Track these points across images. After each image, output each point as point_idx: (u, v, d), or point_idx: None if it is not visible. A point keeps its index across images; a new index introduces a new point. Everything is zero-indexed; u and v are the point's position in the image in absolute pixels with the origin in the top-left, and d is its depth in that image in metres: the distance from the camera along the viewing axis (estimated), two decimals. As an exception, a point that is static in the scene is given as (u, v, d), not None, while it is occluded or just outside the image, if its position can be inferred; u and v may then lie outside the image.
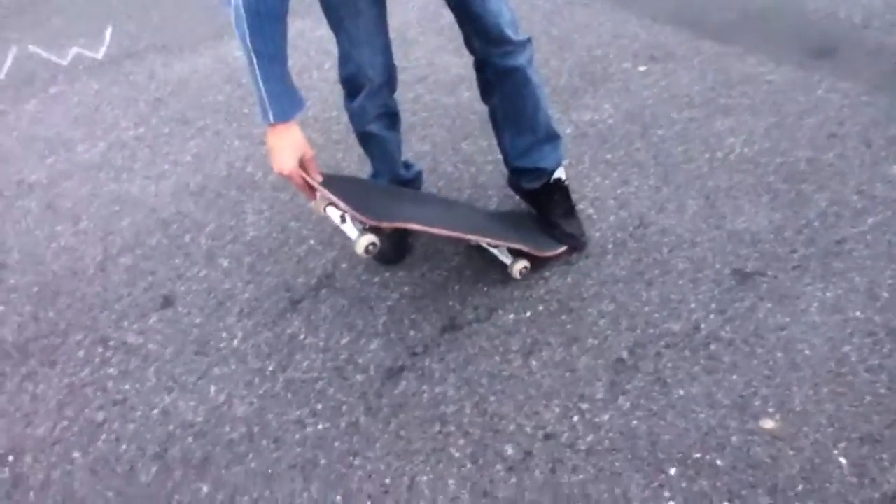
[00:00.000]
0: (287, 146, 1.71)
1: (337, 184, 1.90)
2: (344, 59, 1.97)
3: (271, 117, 1.66)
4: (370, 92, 1.99)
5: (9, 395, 1.93)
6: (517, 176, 2.22)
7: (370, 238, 1.78)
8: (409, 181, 2.28)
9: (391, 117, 2.11)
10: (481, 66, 2.04)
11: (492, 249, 2.08)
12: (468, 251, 2.20)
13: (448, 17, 2.00)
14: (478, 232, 2.03)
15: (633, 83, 2.89)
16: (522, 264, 2.08)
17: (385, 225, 1.84)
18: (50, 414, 1.87)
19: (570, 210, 2.20)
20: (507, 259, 2.08)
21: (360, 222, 1.79)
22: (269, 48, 1.62)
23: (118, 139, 2.83)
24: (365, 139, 2.13)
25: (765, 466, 1.59)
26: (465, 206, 2.36)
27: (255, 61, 1.61)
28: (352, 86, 2.00)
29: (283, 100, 1.68)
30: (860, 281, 1.99)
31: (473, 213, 2.29)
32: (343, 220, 1.80)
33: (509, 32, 1.92)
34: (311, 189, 1.78)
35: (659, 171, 2.43)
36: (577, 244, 2.16)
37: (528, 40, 1.99)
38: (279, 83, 1.66)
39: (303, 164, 1.74)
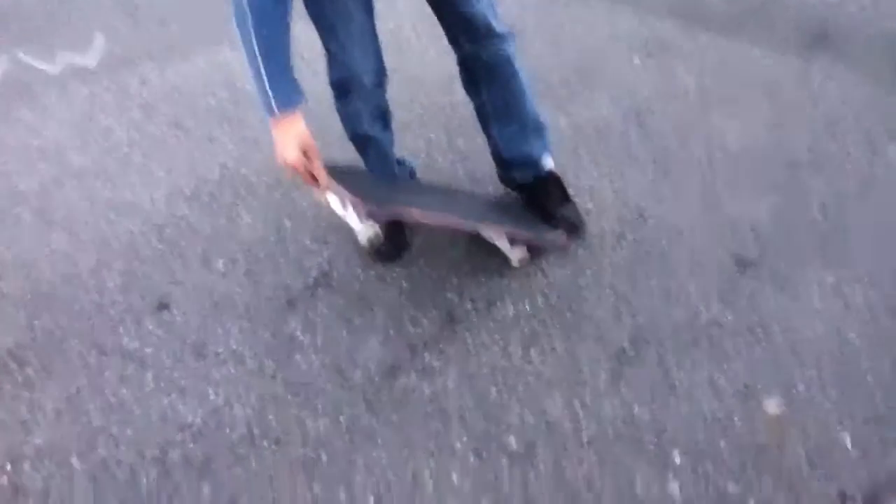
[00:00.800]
0: (291, 137, 1.72)
1: (339, 173, 1.90)
2: (334, 64, 1.96)
3: (275, 108, 1.67)
4: (362, 94, 1.98)
5: (5, 403, 1.91)
6: (508, 169, 2.21)
7: (373, 229, 1.78)
8: (405, 176, 2.27)
9: (384, 117, 2.10)
10: (467, 62, 2.04)
11: (491, 239, 2.07)
12: (466, 242, 2.18)
13: (442, 16, 1.99)
14: (477, 220, 2.02)
15: (629, 76, 2.87)
16: (521, 253, 2.07)
17: (385, 211, 1.84)
18: (48, 421, 1.85)
19: (565, 198, 2.19)
20: (506, 247, 2.07)
21: (362, 212, 1.80)
22: (272, 41, 1.63)
23: (111, 146, 2.81)
24: (359, 141, 2.12)
25: (770, 450, 1.58)
26: (464, 195, 2.35)
27: (258, 57, 1.61)
28: (343, 89, 1.99)
29: (287, 92, 1.68)
30: (860, 266, 1.98)
31: (473, 202, 2.28)
32: (345, 207, 1.80)
33: (495, 25, 1.92)
34: (315, 179, 1.78)
35: (657, 164, 2.42)
36: (577, 230, 2.15)
37: (511, 32, 1.99)
38: (282, 75, 1.67)
39: (307, 155, 1.75)
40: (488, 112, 2.11)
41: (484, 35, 1.92)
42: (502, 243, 2.06)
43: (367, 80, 1.96)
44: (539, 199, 2.19)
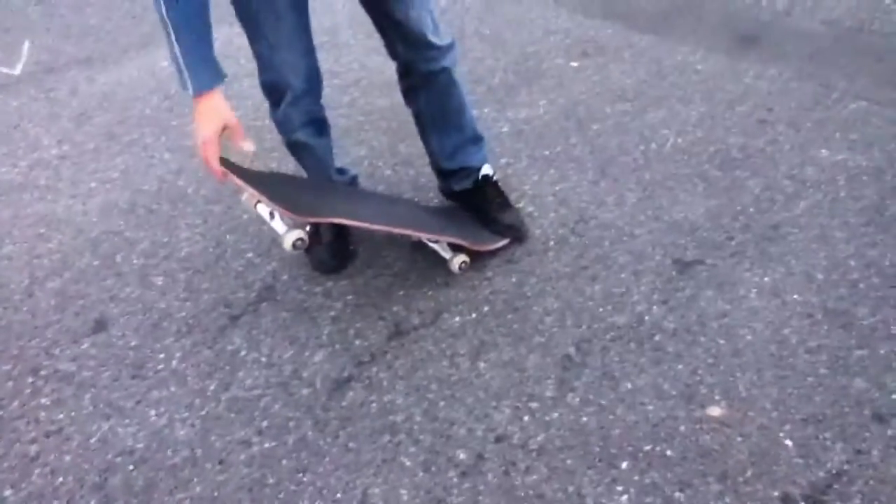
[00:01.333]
0: (207, 114, 1.67)
1: (268, 180, 1.86)
2: (264, 66, 1.91)
3: (190, 89, 1.63)
4: (293, 99, 1.94)
5: (-67, 433, 1.83)
6: (447, 179, 2.22)
7: (297, 234, 1.76)
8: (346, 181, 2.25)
9: (318, 124, 2.06)
10: (405, 71, 2.03)
11: (431, 244, 2.06)
12: (410, 253, 2.17)
13: (378, 19, 1.96)
14: (415, 227, 2.01)
15: (566, 78, 2.90)
16: (462, 258, 2.07)
17: (313, 220, 1.82)
18: (-21, 451, 1.78)
19: (504, 202, 2.19)
20: (446, 254, 2.06)
21: (289, 218, 1.77)
22: (186, 19, 1.58)
23: (41, 158, 2.72)
24: (293, 148, 2.09)
25: (714, 454, 1.60)
26: (403, 202, 2.33)
27: (171, 33, 1.57)
28: (274, 93, 1.95)
29: (203, 71, 1.64)
30: (796, 264, 2.03)
31: (411, 209, 2.27)
32: (272, 216, 1.78)
33: (433, 38, 1.91)
34: (240, 185, 1.73)
35: (596, 166, 2.44)
36: (518, 234, 2.16)
37: (452, 43, 1.98)
38: (196, 54, 1.62)
39: (230, 136, 1.71)
40: (426, 122, 2.10)
41: (422, 45, 1.91)
42: (443, 249, 2.06)
43: (298, 84, 1.92)
44: (479, 205, 2.19)
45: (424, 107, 2.07)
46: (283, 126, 2.02)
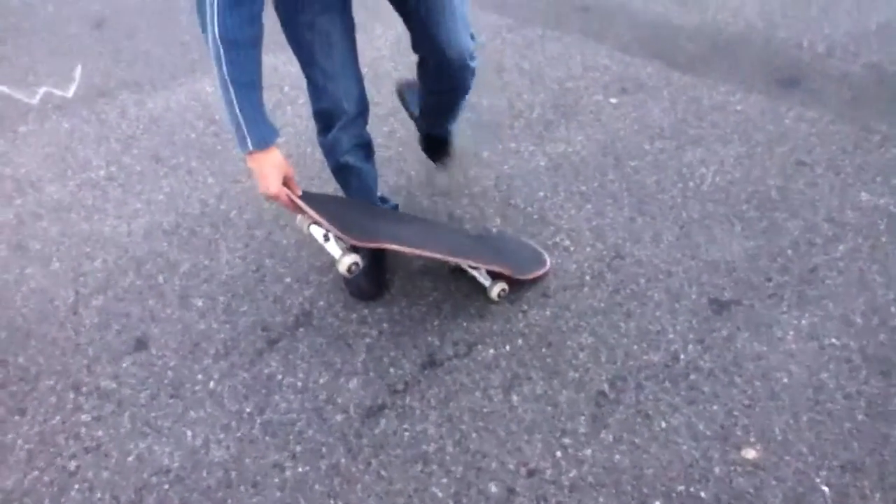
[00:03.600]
0: (270, 168, 1.72)
1: (321, 202, 1.90)
2: (317, 94, 1.96)
3: (250, 145, 1.67)
4: (345, 123, 1.99)
5: (-23, 444, 1.87)
6: (426, 138, 2.50)
7: (353, 258, 1.80)
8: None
9: (366, 148, 2.12)
10: (430, 67, 2.05)
11: (471, 271, 2.09)
12: (446, 284, 2.19)
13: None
14: (458, 253, 2.03)
15: (604, 115, 2.92)
16: (501, 286, 2.09)
17: (367, 245, 1.85)
18: (19, 463, 1.82)
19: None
20: (486, 281, 2.08)
21: (342, 241, 1.80)
22: (245, 76, 1.63)
23: (89, 178, 2.79)
24: (341, 172, 2.13)
25: (748, 497, 1.59)
26: (445, 228, 2.37)
27: (231, 90, 1.61)
28: (326, 119, 2.00)
29: (262, 126, 1.69)
30: (834, 308, 2.01)
31: (453, 235, 2.30)
32: (326, 238, 1.82)
33: (470, 62, 1.96)
34: (297, 207, 1.78)
35: (633, 202, 2.45)
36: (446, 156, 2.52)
37: (475, 70, 2.02)
38: (256, 110, 1.67)
39: (288, 184, 1.76)
40: (430, 104, 2.24)
41: (456, 67, 1.95)
42: (482, 276, 2.08)
43: (351, 108, 1.97)
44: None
45: (433, 90, 2.14)
46: (332, 150, 2.06)
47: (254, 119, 1.66)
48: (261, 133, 1.68)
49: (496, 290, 2.09)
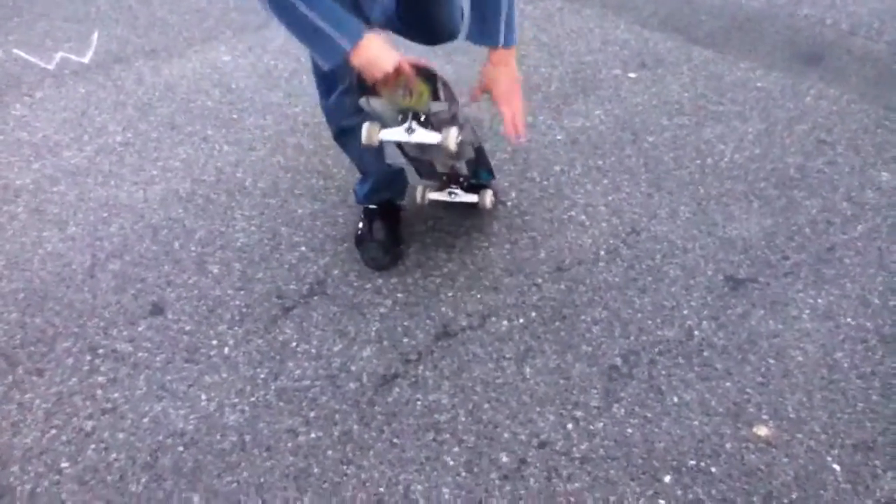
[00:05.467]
0: (378, 50, 1.66)
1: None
2: None
3: (347, 44, 1.63)
4: (348, 87, 1.93)
5: (-5, 403, 1.90)
6: None
7: (455, 131, 1.78)
8: (398, 173, 2.26)
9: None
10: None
11: (454, 198, 2.22)
12: (460, 256, 2.19)
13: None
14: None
15: (623, 90, 2.89)
16: (489, 195, 2.21)
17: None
18: (37, 423, 1.84)
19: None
20: (472, 197, 2.21)
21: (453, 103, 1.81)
22: None
23: (106, 144, 2.80)
24: (343, 135, 2.10)
25: (759, 474, 1.59)
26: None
27: (302, 6, 1.58)
28: (329, 82, 1.97)
29: (348, 22, 1.64)
30: (851, 288, 2.00)
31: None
32: (411, 130, 1.80)
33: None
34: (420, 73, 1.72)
35: (650, 178, 2.44)
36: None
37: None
38: (334, 10, 1.63)
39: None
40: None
41: (445, 38, 1.88)
42: (466, 196, 2.21)
43: (353, 72, 1.87)
44: None
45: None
46: (334, 114, 2.04)
47: (336, 20, 1.62)
48: (350, 28, 1.64)
49: (487, 199, 2.20)
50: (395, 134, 1.79)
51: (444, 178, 2.24)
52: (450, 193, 2.23)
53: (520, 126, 1.85)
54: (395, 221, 2.27)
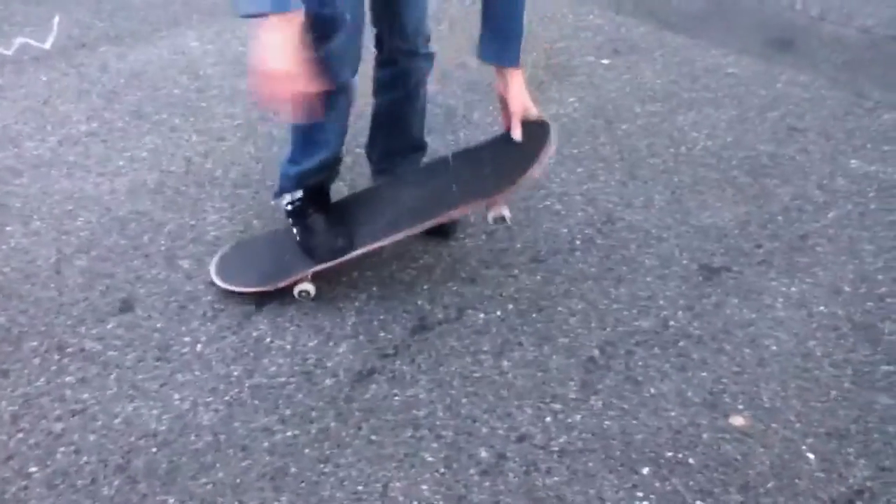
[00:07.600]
0: (284, 39, 1.46)
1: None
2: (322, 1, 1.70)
3: (269, 5, 1.43)
4: (347, 35, 1.78)
5: (-40, 405, 1.85)
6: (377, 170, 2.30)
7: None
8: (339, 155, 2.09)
9: (358, 62, 1.91)
10: (385, 63, 2.06)
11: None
12: (436, 248, 2.17)
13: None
14: (431, 214, 1.97)
15: (596, 76, 2.88)
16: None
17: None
18: (4, 426, 1.79)
19: None
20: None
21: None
22: None
23: (70, 134, 2.73)
24: (333, 94, 1.84)
25: (735, 464, 1.61)
26: (424, 174, 2.21)
27: None
28: (329, 26, 1.74)
29: None
30: (823, 275, 2.02)
31: (420, 190, 2.10)
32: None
33: (421, 40, 2.00)
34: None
35: (624, 166, 2.43)
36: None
37: (433, 55, 2.06)
38: None
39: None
40: (381, 118, 2.17)
41: (410, 38, 1.98)
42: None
43: (351, 17, 1.77)
44: None
45: (386, 103, 2.13)
46: (334, 62, 1.79)
47: None
48: None
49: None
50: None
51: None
52: None
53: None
54: (328, 201, 2.14)
